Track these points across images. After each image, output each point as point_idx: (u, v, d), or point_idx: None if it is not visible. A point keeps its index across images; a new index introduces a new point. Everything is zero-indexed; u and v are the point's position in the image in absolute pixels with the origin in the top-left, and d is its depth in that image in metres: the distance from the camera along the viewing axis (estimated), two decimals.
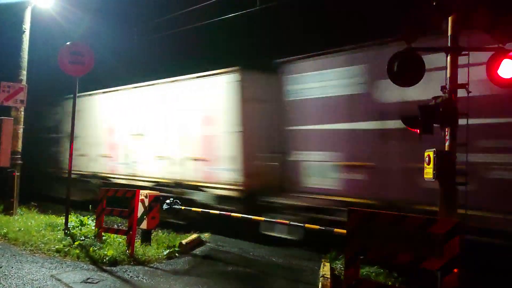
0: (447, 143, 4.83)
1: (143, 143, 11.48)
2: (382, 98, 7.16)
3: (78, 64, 8.44)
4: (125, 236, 7.34)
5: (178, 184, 10.25)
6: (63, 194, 9.73)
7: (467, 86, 4.87)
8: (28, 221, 9.54)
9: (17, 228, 8.61)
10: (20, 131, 10.85)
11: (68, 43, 8.53)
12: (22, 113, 10.88)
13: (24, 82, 10.81)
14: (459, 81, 4.86)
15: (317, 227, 7.04)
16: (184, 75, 10.54)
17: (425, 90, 5.53)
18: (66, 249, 7.12)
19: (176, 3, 12.84)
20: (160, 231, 9.15)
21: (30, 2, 11.01)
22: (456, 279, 4.01)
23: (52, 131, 15.57)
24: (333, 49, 7.99)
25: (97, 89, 13.53)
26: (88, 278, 5.83)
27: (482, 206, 5.61)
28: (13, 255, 6.92)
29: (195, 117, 10.06)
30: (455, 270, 4.02)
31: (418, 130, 5.00)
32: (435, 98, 4.97)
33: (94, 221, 8.30)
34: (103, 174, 12.73)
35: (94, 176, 13.06)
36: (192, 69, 10.67)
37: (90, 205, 10.40)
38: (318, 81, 8.10)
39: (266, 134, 9.21)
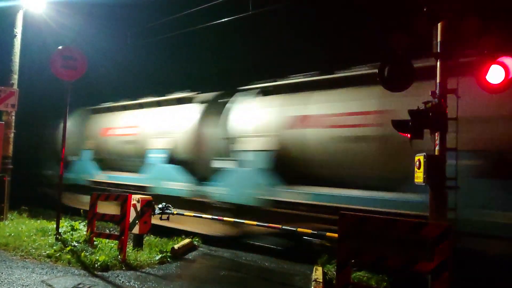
0: (437, 148, 4.90)
1: None
2: None
3: (71, 69, 8.41)
4: (117, 241, 7.31)
5: None
6: None
7: (456, 92, 4.96)
8: (19, 226, 9.45)
9: (8, 233, 8.53)
10: (12, 135, 10.76)
11: (60, 47, 8.51)
12: (13, 117, 10.81)
13: (15, 86, 10.74)
14: None
15: (310, 231, 7.07)
16: None
17: None
18: (57, 254, 7.06)
19: None
20: (152, 235, 9.12)
21: (22, 6, 10.98)
22: (446, 282, 4.05)
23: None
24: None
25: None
26: (80, 284, 5.79)
27: None
28: (3, 260, 6.85)
29: None
30: (446, 273, 4.06)
31: (409, 135, 5.08)
32: (425, 103, 5.04)
33: (86, 226, 8.25)
34: None
35: None
36: None
37: (82, 210, 10.34)
38: None
39: None
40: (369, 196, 6.82)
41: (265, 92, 9.57)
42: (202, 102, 10.81)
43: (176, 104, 11.54)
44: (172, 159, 10.63)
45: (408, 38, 5.02)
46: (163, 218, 9.08)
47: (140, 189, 10.78)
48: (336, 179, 7.59)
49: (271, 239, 8.37)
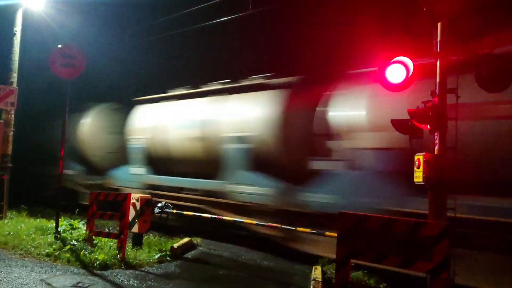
0: (436, 147, 4.90)
1: None
2: None
3: (70, 67, 8.40)
4: (116, 240, 7.30)
5: None
6: None
7: (456, 91, 4.96)
8: (18, 224, 9.44)
9: (7, 232, 8.53)
10: (11, 134, 10.76)
11: (59, 45, 8.49)
12: (13, 116, 10.80)
13: (15, 85, 10.73)
14: None
15: (309, 230, 7.08)
16: None
17: None
18: (56, 253, 7.05)
19: None
20: (151, 234, 9.12)
21: (22, 4, 10.96)
22: (445, 281, 4.05)
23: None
24: None
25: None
26: (79, 282, 5.79)
27: None
28: (3, 259, 6.84)
29: None
30: (445, 272, 4.06)
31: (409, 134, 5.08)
32: (425, 102, 5.04)
33: (85, 225, 8.25)
34: None
35: None
36: None
37: (77, 209, 10.32)
38: None
39: None
40: None
41: None
42: None
43: None
44: None
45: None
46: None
47: None
48: None
49: None
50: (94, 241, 7.73)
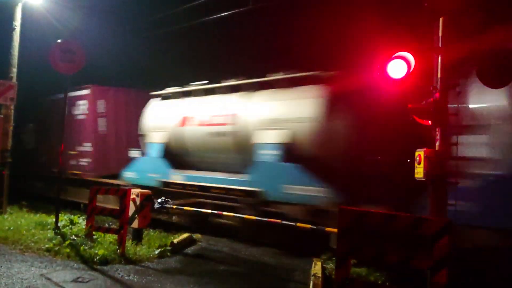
0: (437, 143, 4.88)
1: None
2: None
3: (69, 62, 8.36)
4: (116, 235, 7.30)
5: None
6: None
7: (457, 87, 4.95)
8: (18, 220, 9.44)
9: (7, 227, 8.52)
10: (10, 129, 10.74)
11: (59, 40, 8.45)
12: (12, 111, 10.78)
13: (14, 80, 10.70)
14: None
15: (309, 226, 7.08)
16: None
17: None
18: (56, 248, 7.05)
19: None
20: (151, 230, 9.11)
21: None
22: (445, 278, 4.05)
23: None
24: None
25: None
26: (79, 277, 5.79)
27: None
28: (3, 254, 6.84)
29: None
30: (445, 269, 4.06)
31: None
32: (426, 98, 5.02)
33: (85, 220, 8.25)
34: None
35: None
36: None
37: (82, 205, 10.31)
38: None
39: None
40: None
41: None
42: None
43: None
44: None
45: None
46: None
47: None
48: None
49: None
50: (94, 236, 7.72)
